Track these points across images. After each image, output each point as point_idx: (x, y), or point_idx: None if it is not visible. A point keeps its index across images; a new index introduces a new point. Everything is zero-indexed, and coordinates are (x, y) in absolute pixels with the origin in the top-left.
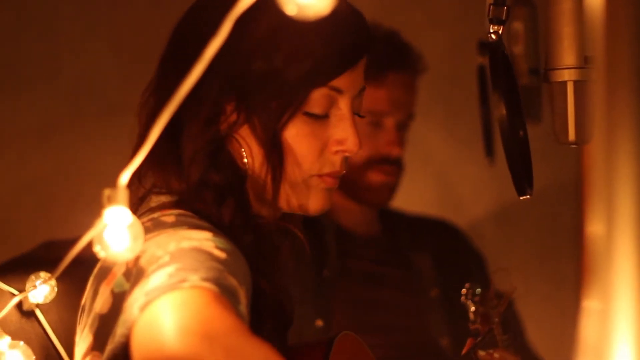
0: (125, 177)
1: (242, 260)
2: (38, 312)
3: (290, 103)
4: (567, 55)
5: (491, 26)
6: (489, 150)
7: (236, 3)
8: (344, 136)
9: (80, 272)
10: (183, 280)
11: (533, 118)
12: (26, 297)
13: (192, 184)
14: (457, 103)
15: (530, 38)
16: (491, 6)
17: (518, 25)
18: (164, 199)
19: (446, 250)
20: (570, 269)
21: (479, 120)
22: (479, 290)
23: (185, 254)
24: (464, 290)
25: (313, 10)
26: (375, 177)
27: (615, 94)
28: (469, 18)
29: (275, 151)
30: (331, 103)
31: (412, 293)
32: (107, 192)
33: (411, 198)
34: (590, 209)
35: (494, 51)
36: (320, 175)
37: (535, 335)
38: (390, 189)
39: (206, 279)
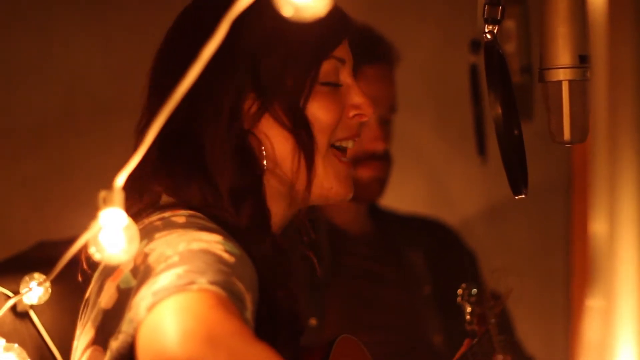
0: (121, 179)
1: (250, 266)
2: (32, 314)
3: (306, 77)
4: (561, 55)
5: (486, 26)
6: (481, 149)
7: (225, 6)
8: (358, 101)
9: (74, 273)
10: (191, 283)
11: (525, 116)
12: (20, 299)
13: (221, 191)
14: (449, 101)
15: (522, 36)
16: (486, 6)
17: (510, 24)
18: (173, 200)
19: (438, 248)
20: (560, 267)
21: (470, 118)
22: (475, 290)
23: (194, 256)
24: (460, 291)
25: (310, 12)
26: (364, 173)
27: (617, 91)
28: (459, 16)
29: (303, 129)
30: (337, 75)
31: (405, 291)
32: (102, 194)
33: (402, 196)
34: (592, 208)
35: (489, 51)
36: (337, 153)
37: (525, 332)
38: (380, 183)
39: (214, 282)
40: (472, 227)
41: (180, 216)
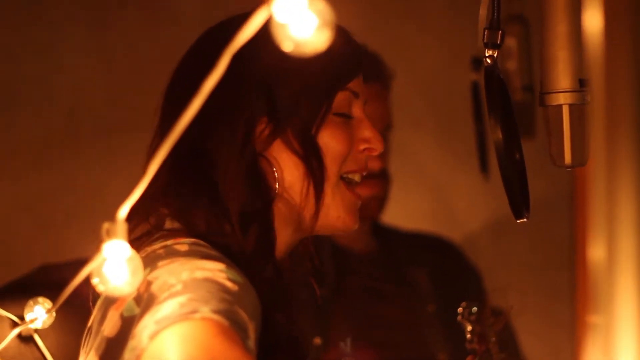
0: (124, 210)
1: (253, 294)
2: (37, 337)
3: (320, 106)
4: (562, 79)
5: (486, 50)
6: (484, 166)
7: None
8: (369, 135)
9: (78, 296)
10: (194, 311)
11: (527, 134)
12: (24, 323)
13: (229, 215)
14: (451, 117)
15: (524, 54)
16: (486, 30)
17: (511, 42)
18: (177, 224)
19: (442, 265)
20: (564, 283)
21: (473, 134)
22: (475, 309)
23: (197, 284)
24: (460, 309)
25: (310, 47)
26: (362, 192)
27: (614, 116)
28: (462, 31)
29: (314, 157)
30: (350, 107)
31: (409, 309)
32: (106, 225)
33: (405, 212)
34: (590, 233)
35: (490, 75)
36: (347, 184)
37: (530, 349)
38: (379, 202)
39: (217, 312)
40: (476, 243)
41: (182, 244)
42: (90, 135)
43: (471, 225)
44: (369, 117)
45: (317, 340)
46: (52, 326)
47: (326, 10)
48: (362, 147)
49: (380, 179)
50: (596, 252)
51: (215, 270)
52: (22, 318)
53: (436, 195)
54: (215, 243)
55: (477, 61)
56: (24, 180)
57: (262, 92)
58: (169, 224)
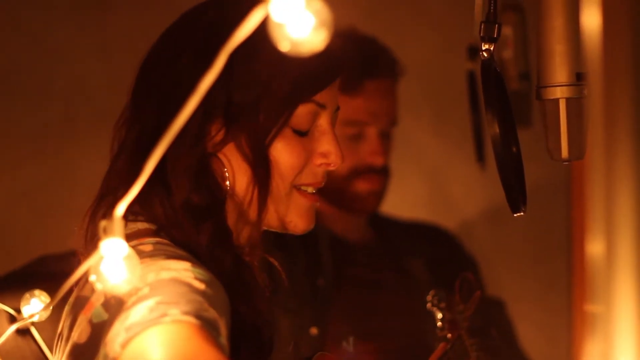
0: (121, 208)
1: (221, 290)
2: (33, 330)
3: (277, 119)
4: (559, 73)
5: (483, 44)
6: (480, 155)
7: (209, 28)
8: (328, 149)
9: (74, 289)
10: (164, 315)
11: (523, 122)
12: (21, 316)
13: (177, 206)
14: (448, 104)
15: (520, 42)
16: (482, 24)
17: (507, 30)
18: (139, 225)
19: (439, 255)
20: (561, 272)
21: (469, 123)
22: (443, 296)
23: (164, 286)
24: (429, 297)
25: (308, 47)
26: (361, 186)
27: (612, 109)
28: (458, 19)
29: (262, 168)
30: (314, 119)
31: (407, 298)
32: (103, 223)
33: (402, 201)
34: (588, 224)
35: (486, 69)
36: (301, 191)
37: (527, 337)
38: (377, 196)
39: (187, 313)
40: (473, 232)
41: (146, 244)
42: (89, 124)
43: (468, 214)
44: (334, 130)
45: (314, 330)
46: (49, 319)
47: (323, 10)
48: (319, 161)
49: (381, 174)
50: (594, 243)
51: (180, 269)
52: (18, 310)
53: (433, 184)
54: (177, 240)
55: (474, 50)
56: (23, 170)
57: (221, 94)
58: (131, 217)
